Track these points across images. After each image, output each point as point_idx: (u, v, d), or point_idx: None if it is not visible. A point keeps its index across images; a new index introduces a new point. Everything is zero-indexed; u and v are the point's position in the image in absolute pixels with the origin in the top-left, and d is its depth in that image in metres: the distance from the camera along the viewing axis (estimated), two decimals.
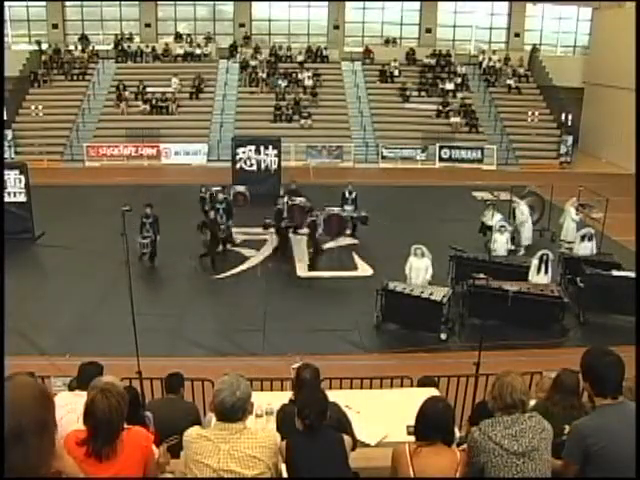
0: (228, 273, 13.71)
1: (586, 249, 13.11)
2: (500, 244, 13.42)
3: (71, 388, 4.91)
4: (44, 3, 30.23)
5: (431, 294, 10.84)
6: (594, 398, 3.36)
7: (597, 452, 3.18)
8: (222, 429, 3.20)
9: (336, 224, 14.86)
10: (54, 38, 29.90)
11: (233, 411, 3.17)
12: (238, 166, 19.86)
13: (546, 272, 11.85)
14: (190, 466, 3.22)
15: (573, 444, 3.30)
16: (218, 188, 15.62)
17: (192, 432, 3.30)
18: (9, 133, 24.56)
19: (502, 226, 13.77)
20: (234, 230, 15.46)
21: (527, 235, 14.93)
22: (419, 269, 11.53)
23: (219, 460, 3.13)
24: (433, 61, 29.70)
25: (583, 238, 13.23)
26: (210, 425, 3.41)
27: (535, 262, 11.95)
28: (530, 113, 27.58)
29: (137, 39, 30.60)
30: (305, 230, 14.33)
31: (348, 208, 16.00)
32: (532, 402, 4.04)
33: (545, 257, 11.87)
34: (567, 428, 3.60)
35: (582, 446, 3.23)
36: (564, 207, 15.30)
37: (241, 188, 16.63)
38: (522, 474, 3.14)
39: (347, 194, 16.36)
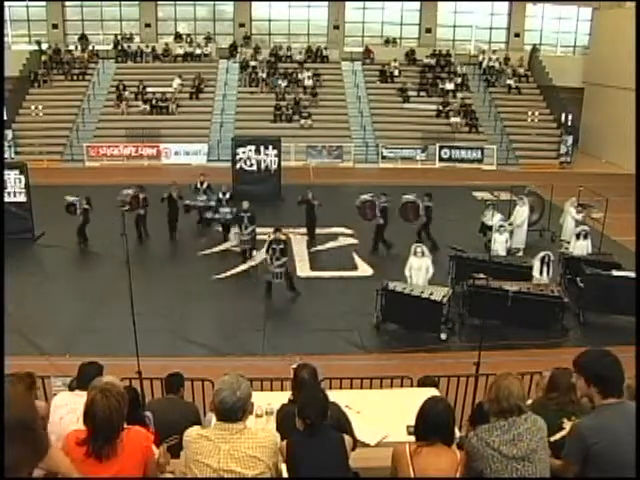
0: (228, 273, 13.72)
1: (582, 247, 13.09)
2: (499, 244, 13.41)
3: (71, 388, 4.90)
4: (44, 3, 30.23)
5: (431, 294, 10.83)
6: (594, 398, 3.35)
7: (598, 452, 3.17)
8: (222, 429, 3.20)
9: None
10: (54, 38, 29.90)
11: (233, 411, 3.17)
12: (238, 166, 19.85)
13: (548, 273, 11.82)
14: (190, 466, 3.22)
15: (573, 444, 3.29)
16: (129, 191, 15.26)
17: (192, 432, 3.30)
18: (9, 133, 24.55)
19: (501, 226, 13.76)
20: (233, 230, 15.48)
21: (519, 239, 14.80)
22: (419, 269, 11.48)
23: (219, 460, 3.13)
24: (433, 61, 29.70)
25: (578, 236, 13.21)
26: (210, 425, 3.41)
27: (537, 264, 11.92)
28: (530, 113, 27.58)
29: (137, 39, 30.61)
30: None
31: (224, 210, 15.17)
32: (529, 401, 4.02)
33: (547, 258, 11.85)
34: (565, 422, 3.60)
35: (583, 446, 3.22)
36: (564, 207, 15.29)
37: (130, 191, 15.40)
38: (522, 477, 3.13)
39: (221, 195, 15.62)
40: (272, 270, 12.22)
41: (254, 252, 14.27)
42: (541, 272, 11.87)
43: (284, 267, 12.27)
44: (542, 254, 12.02)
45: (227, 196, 15.65)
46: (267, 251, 12.36)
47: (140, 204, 15.11)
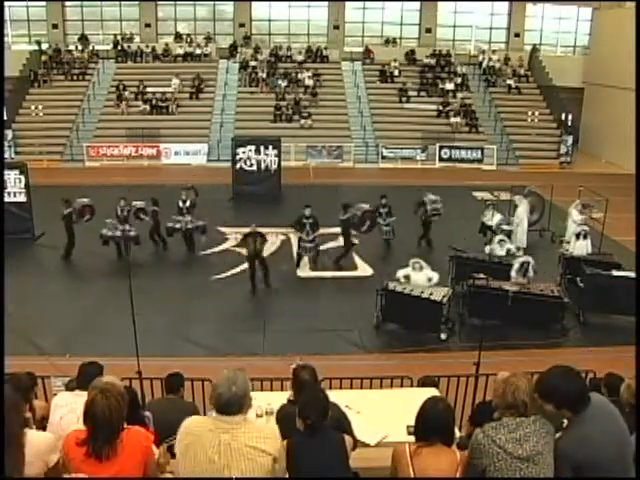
0: (228, 273, 13.71)
1: (581, 247, 13.08)
2: (498, 245, 13.36)
3: (69, 388, 4.90)
4: (44, 3, 30.22)
5: (431, 294, 10.82)
6: (566, 415, 3.25)
7: (587, 461, 3.12)
8: (222, 421, 3.15)
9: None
10: (54, 38, 29.89)
11: (230, 405, 3.12)
12: (238, 166, 19.86)
13: (524, 277, 11.44)
14: (183, 453, 3.14)
15: (562, 463, 3.20)
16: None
17: (191, 422, 3.25)
18: (9, 133, 24.55)
19: (501, 226, 13.76)
20: (233, 230, 15.48)
21: (520, 238, 14.74)
22: (417, 281, 11.23)
23: (220, 454, 3.07)
24: (433, 61, 29.70)
25: (578, 236, 13.22)
26: None
27: (516, 265, 11.49)
28: (530, 113, 27.58)
29: (137, 39, 30.61)
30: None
31: (185, 219, 14.51)
32: None
33: (526, 265, 11.35)
34: (565, 422, 3.59)
35: (569, 460, 3.16)
36: (568, 210, 15.19)
37: (85, 200, 15.01)
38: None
39: (181, 203, 14.74)
40: (384, 229, 14.59)
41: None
42: (517, 272, 11.34)
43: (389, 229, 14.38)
44: (522, 259, 11.54)
45: (187, 204, 14.71)
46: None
47: (92, 213, 14.69)
